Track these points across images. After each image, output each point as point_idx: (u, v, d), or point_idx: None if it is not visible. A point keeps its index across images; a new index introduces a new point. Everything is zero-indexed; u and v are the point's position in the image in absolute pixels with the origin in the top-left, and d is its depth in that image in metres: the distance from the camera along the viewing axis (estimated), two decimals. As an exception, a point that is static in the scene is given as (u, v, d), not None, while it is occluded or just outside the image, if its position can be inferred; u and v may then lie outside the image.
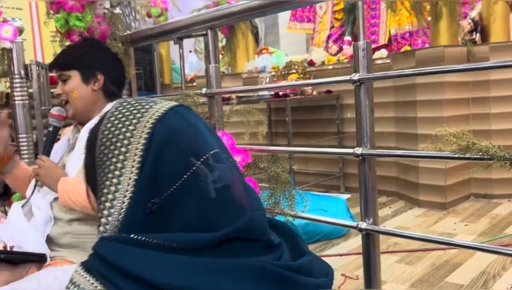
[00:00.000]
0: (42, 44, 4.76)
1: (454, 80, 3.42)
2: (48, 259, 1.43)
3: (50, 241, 1.45)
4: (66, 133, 1.66)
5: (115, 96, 1.60)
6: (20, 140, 2.34)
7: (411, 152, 1.34)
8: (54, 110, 1.57)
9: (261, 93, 4.01)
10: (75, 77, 1.53)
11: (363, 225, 1.24)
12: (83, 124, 1.56)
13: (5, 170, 1.59)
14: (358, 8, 1.22)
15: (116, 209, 0.62)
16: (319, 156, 4.37)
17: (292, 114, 3.96)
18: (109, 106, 1.56)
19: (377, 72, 1.27)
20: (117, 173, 0.63)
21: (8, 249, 1.44)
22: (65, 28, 1.80)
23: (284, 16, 6.04)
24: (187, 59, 5.86)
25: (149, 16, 4.79)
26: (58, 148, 1.60)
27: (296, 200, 1.41)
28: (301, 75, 4.18)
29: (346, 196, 3.77)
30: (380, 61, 4.05)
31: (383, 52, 4.41)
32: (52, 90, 2.56)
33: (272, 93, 3.99)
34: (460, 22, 4.02)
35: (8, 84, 2.39)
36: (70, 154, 1.53)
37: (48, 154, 1.53)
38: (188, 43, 5.37)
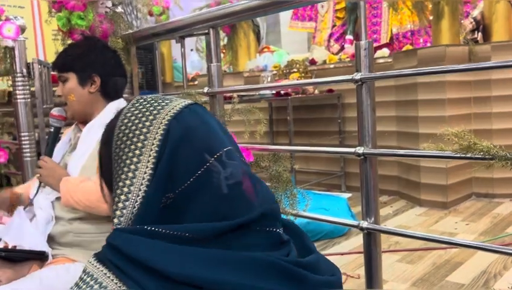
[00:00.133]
0: (44, 42, 4.77)
1: (456, 79, 3.41)
2: (50, 257, 1.44)
3: (52, 240, 1.46)
4: (67, 133, 1.66)
5: (115, 97, 1.59)
6: (22, 138, 2.34)
7: (412, 152, 1.34)
8: (55, 111, 1.58)
9: (262, 92, 4.01)
10: (72, 79, 1.52)
11: (365, 223, 1.24)
12: (84, 123, 1.56)
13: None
14: (360, 7, 1.22)
15: (130, 202, 0.64)
16: (320, 155, 4.37)
17: (293, 113, 3.96)
18: (111, 106, 1.55)
19: (379, 71, 1.27)
20: (133, 167, 0.64)
21: (10, 248, 1.45)
22: (67, 27, 1.81)
23: (286, 15, 6.03)
24: (188, 58, 5.86)
25: (151, 14, 4.79)
26: (59, 147, 1.60)
27: (298, 199, 1.41)
28: (302, 74, 4.18)
29: (347, 195, 3.77)
30: (381, 61, 4.04)
31: (385, 51, 4.41)
32: (54, 88, 2.57)
33: (274, 92, 3.99)
34: (462, 21, 4.01)
35: (10, 82, 2.40)
36: (72, 154, 1.53)
37: (49, 154, 1.53)
38: (189, 41, 5.37)
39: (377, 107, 1.24)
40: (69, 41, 1.84)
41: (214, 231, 0.61)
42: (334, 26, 5.47)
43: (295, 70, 4.21)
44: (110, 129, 0.70)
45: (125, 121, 0.68)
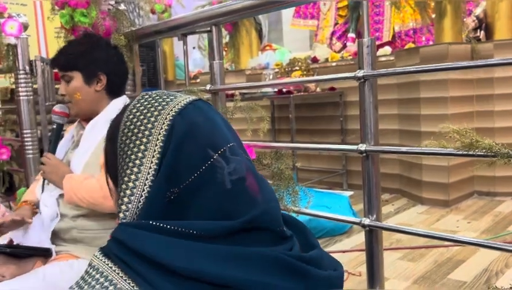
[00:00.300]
0: (46, 40, 4.77)
1: (458, 77, 3.41)
2: (54, 253, 1.45)
3: (56, 236, 1.46)
4: (70, 130, 1.66)
5: (119, 94, 1.59)
6: (25, 136, 2.35)
7: (415, 149, 1.34)
8: (57, 108, 1.57)
9: (264, 90, 4.01)
10: (77, 78, 1.51)
11: (367, 221, 1.24)
12: (87, 120, 1.56)
13: None
14: (362, 5, 1.22)
15: (136, 196, 0.64)
16: (322, 153, 4.37)
17: (295, 111, 3.96)
18: (114, 103, 1.55)
19: (381, 69, 1.27)
20: (138, 162, 0.65)
21: (15, 244, 1.46)
22: (70, 24, 1.82)
23: (288, 13, 6.03)
24: (190, 56, 5.86)
25: (153, 12, 4.80)
26: (62, 144, 1.60)
27: (300, 197, 1.42)
28: (304, 72, 4.17)
29: (349, 193, 3.77)
30: (383, 59, 4.04)
31: (387, 50, 4.40)
32: (56, 86, 2.57)
33: (276, 90, 3.99)
34: (465, 19, 4.00)
35: (12, 79, 2.41)
36: (75, 151, 1.53)
37: (53, 151, 1.53)
38: (191, 39, 5.37)
39: (379, 105, 1.24)
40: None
41: (222, 231, 0.62)
42: (336, 24, 5.46)
43: (297, 68, 4.21)
44: (115, 125, 0.71)
45: (131, 116, 0.68)
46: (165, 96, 0.70)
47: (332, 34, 5.44)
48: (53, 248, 1.45)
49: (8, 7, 2.65)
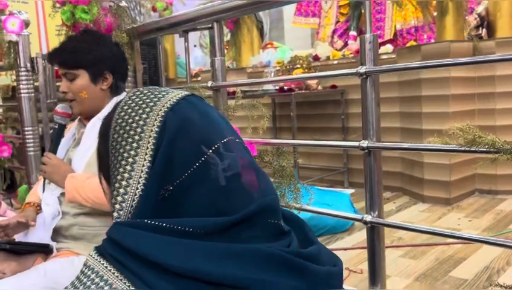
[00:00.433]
0: (47, 37, 4.77)
1: (460, 75, 3.40)
2: (54, 250, 1.45)
3: (57, 233, 1.46)
4: (71, 128, 1.64)
5: (120, 91, 1.58)
6: (26, 133, 2.35)
7: (417, 145, 1.34)
8: (59, 108, 1.54)
9: (265, 87, 4.01)
10: (83, 77, 1.47)
11: (368, 217, 1.24)
12: (88, 118, 1.55)
13: None
14: (365, 2, 1.22)
15: (130, 195, 0.63)
16: (323, 151, 4.37)
17: (297, 109, 3.95)
18: (115, 101, 1.54)
19: (383, 65, 1.27)
20: (131, 160, 0.64)
21: (15, 241, 1.46)
22: (71, 21, 1.81)
23: (289, 11, 6.03)
24: (192, 53, 5.86)
25: (154, 9, 4.80)
26: (63, 143, 1.58)
27: (301, 194, 1.41)
28: (306, 70, 4.16)
29: (350, 191, 3.76)
30: (385, 56, 4.03)
31: (389, 47, 4.39)
32: (58, 83, 2.57)
33: (277, 87, 3.98)
34: (467, 17, 3.99)
35: (14, 77, 2.40)
36: (76, 150, 1.52)
37: (54, 151, 1.51)
38: (192, 37, 5.36)
39: (380, 103, 1.23)
40: (74, 36, 1.83)
41: (216, 227, 0.61)
42: (337, 22, 5.46)
43: (298, 66, 4.20)
44: (107, 122, 0.70)
45: (122, 113, 0.67)
46: (156, 92, 0.69)
47: (334, 32, 5.43)
48: (54, 244, 1.45)
49: (9, 4, 2.64)
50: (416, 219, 3.11)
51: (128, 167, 0.64)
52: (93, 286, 0.58)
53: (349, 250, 2.58)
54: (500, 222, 2.89)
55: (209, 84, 1.58)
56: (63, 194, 1.45)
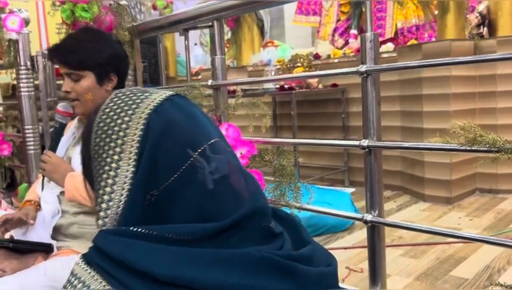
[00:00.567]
0: (48, 35, 4.77)
1: (461, 74, 3.40)
2: (55, 249, 1.45)
3: (57, 232, 1.46)
4: (70, 127, 1.63)
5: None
6: (26, 131, 2.35)
7: (417, 144, 1.33)
8: (60, 107, 1.52)
9: (266, 86, 4.00)
10: (89, 78, 1.43)
11: (369, 217, 1.24)
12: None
13: None
14: (365, 0, 1.21)
15: (114, 202, 0.62)
16: (323, 150, 4.37)
17: (297, 108, 3.95)
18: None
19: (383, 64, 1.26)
20: (114, 165, 0.62)
21: (16, 239, 1.46)
22: (71, 19, 1.81)
23: (290, 9, 6.02)
24: (192, 52, 5.86)
25: (155, 8, 4.80)
26: (63, 141, 1.56)
27: (301, 193, 1.41)
28: (307, 69, 4.16)
29: (350, 190, 3.76)
30: (386, 55, 4.02)
31: (389, 46, 4.39)
32: (58, 82, 2.57)
33: (277, 86, 3.98)
34: (468, 16, 3.99)
35: (14, 75, 2.40)
36: (76, 148, 1.50)
37: (54, 149, 1.50)
38: (192, 35, 5.36)
39: (381, 101, 1.23)
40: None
41: (205, 233, 0.59)
42: (338, 20, 5.44)
43: (299, 64, 4.19)
44: (89, 126, 0.68)
45: (104, 117, 0.65)
46: (139, 94, 0.66)
47: (335, 30, 5.42)
48: (54, 243, 1.45)
49: (10, 2, 2.64)
50: (417, 218, 3.11)
51: (112, 173, 0.62)
52: None
53: (349, 249, 2.57)
54: (501, 221, 2.89)
55: (210, 82, 1.58)
56: (62, 192, 1.45)
